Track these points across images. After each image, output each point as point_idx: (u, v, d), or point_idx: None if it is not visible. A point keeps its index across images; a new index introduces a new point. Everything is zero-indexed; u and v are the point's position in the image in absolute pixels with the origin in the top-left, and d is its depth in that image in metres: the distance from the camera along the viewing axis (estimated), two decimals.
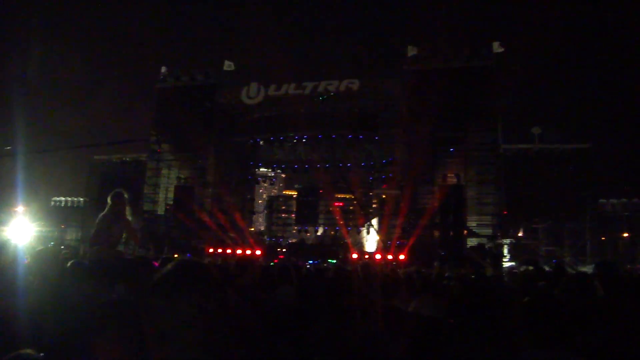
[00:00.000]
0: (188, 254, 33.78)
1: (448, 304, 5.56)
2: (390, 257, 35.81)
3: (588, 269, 22.79)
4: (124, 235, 9.22)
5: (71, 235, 51.31)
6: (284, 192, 48.39)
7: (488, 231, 37.48)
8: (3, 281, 3.79)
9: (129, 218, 9.10)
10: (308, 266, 25.24)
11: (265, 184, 53.30)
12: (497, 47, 39.35)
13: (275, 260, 26.49)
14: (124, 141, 52.60)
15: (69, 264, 5.53)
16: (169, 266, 1.83)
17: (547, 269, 18.23)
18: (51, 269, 4.08)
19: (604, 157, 42.02)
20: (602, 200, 42.37)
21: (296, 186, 52.08)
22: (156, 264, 8.71)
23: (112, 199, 8.66)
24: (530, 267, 24.38)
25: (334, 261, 35.70)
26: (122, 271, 5.35)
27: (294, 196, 52.12)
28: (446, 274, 17.39)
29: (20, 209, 32.44)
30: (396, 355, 3.86)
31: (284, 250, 41.77)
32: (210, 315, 1.73)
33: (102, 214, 8.75)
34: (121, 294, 4.83)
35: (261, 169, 51.93)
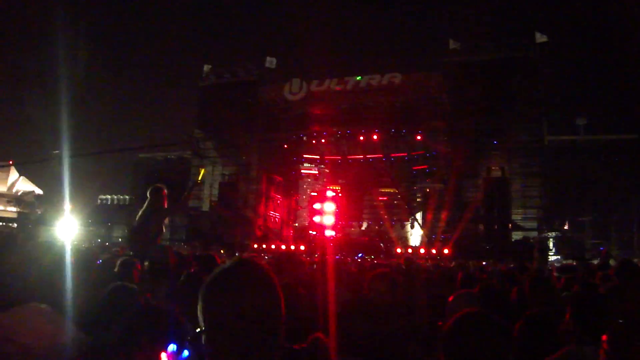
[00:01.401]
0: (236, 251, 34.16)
1: (485, 299, 5.53)
2: (434, 251, 35.71)
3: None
4: (164, 229, 9.30)
5: (117, 233, 52.05)
6: (328, 187, 48.23)
7: (533, 224, 37.14)
8: (49, 281, 3.91)
9: (169, 207, 9.16)
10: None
11: (309, 180, 53.42)
12: (539, 37, 38.88)
13: (317, 256, 26.52)
14: (167, 144, 53.18)
15: (119, 262, 5.67)
16: (228, 264, 1.91)
17: (595, 262, 18.08)
18: (86, 267, 4.20)
19: None
20: None
21: (340, 181, 52.00)
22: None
23: (150, 194, 8.72)
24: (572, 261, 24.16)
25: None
26: (166, 271, 5.45)
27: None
28: (490, 269, 17.34)
29: (67, 207, 32.89)
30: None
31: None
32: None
33: (141, 209, 8.84)
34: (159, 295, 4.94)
35: (305, 164, 51.99)
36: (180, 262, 6.29)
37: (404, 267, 12.57)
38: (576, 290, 3.90)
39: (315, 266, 9.71)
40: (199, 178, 21.49)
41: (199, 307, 1.84)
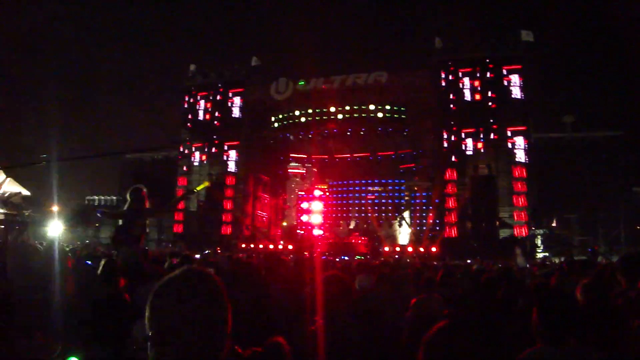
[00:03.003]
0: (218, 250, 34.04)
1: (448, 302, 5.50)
2: (422, 249, 35.74)
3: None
4: (147, 230, 9.21)
5: (105, 234, 51.79)
6: (315, 187, 48.24)
7: (520, 222, 37.24)
8: (39, 280, 3.88)
9: (150, 209, 9.07)
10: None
11: (296, 179, 53.37)
12: (525, 36, 39.00)
13: (306, 255, 26.49)
14: (155, 147, 53.05)
15: (102, 263, 5.62)
16: (177, 272, 1.90)
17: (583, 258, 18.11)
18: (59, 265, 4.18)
19: (638, 144, 41.33)
20: (636, 189, 41.70)
21: (327, 180, 52.01)
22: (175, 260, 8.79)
23: (130, 195, 8.62)
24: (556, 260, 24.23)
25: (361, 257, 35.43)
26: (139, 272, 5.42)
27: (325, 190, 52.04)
28: (475, 267, 17.30)
29: (55, 208, 32.72)
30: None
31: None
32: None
33: (120, 210, 8.76)
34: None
35: (292, 164, 51.94)
36: (156, 262, 6.23)
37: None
38: (539, 289, 3.87)
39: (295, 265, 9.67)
40: (199, 188, 21.28)
41: (146, 314, 1.82)
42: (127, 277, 5.48)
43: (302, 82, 42.46)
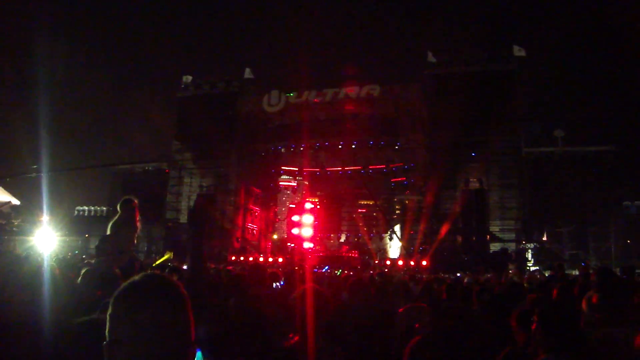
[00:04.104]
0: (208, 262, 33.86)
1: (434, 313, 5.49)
2: (412, 263, 35.70)
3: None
4: (135, 242, 9.13)
5: (94, 244, 51.63)
6: (306, 199, 48.25)
7: (511, 236, 37.29)
8: (27, 292, 3.82)
9: (138, 225, 8.98)
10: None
11: (287, 192, 53.31)
12: (517, 51, 39.20)
13: (296, 268, 26.47)
14: (146, 161, 52.94)
15: (82, 272, 5.56)
16: (136, 278, 1.85)
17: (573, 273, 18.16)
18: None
19: (628, 159, 41.48)
20: (626, 203, 41.90)
21: (318, 193, 51.99)
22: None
23: (121, 207, 8.54)
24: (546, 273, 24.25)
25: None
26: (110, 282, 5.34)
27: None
28: (466, 280, 17.35)
29: (45, 218, 32.57)
30: None
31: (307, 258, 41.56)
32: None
33: (111, 222, 8.66)
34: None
35: (283, 177, 51.89)
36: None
37: (377, 279, 12.50)
38: (539, 302, 3.87)
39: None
40: (160, 261, 20.91)
41: (107, 318, 1.77)
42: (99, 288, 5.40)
43: (292, 94, 42.47)
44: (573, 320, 3.56)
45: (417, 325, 4.87)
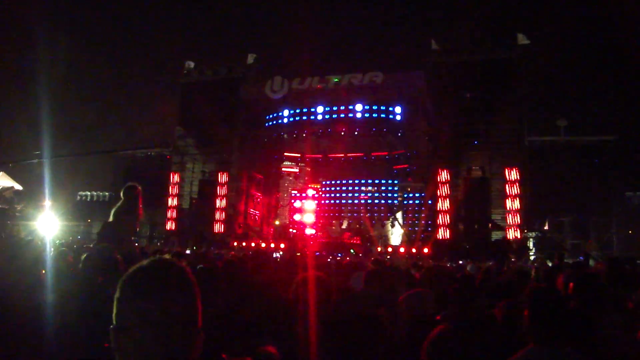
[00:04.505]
0: (212, 247, 33.99)
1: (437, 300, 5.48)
2: (414, 250, 35.75)
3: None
4: (138, 228, 9.13)
5: (97, 230, 51.61)
6: (308, 186, 48.34)
7: (513, 224, 37.28)
8: (29, 277, 3.84)
9: (141, 213, 8.97)
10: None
11: (290, 178, 53.30)
12: (521, 39, 39.06)
13: (297, 254, 26.55)
14: (148, 147, 52.87)
15: (82, 257, 5.57)
16: (144, 263, 1.84)
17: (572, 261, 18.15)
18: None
19: (631, 149, 41.35)
20: (628, 193, 41.81)
21: (321, 180, 52.02)
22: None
23: (124, 193, 8.55)
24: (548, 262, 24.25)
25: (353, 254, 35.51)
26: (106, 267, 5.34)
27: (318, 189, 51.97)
28: (468, 268, 17.38)
29: (47, 203, 32.66)
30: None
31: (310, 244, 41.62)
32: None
33: (114, 208, 8.65)
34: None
35: (285, 163, 51.88)
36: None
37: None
38: (531, 290, 3.85)
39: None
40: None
41: (113, 306, 1.76)
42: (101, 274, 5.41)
43: (295, 80, 42.38)
44: (563, 310, 3.55)
45: (438, 317, 4.85)
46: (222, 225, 42.65)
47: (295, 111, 43.31)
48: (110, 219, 8.64)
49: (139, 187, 8.82)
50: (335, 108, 41.94)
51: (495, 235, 36.78)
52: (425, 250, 34.98)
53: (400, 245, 38.70)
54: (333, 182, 52.30)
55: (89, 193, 57.34)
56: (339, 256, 29.74)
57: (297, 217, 47.49)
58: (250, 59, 46.16)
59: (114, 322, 1.74)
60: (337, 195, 52.34)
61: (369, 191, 51.26)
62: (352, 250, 36.02)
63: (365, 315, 3.93)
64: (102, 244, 7.62)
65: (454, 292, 5.60)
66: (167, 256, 8.81)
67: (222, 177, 43.83)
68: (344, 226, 47.39)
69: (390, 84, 40.19)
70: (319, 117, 42.35)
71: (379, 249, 38.12)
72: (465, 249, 33.66)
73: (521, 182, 37.14)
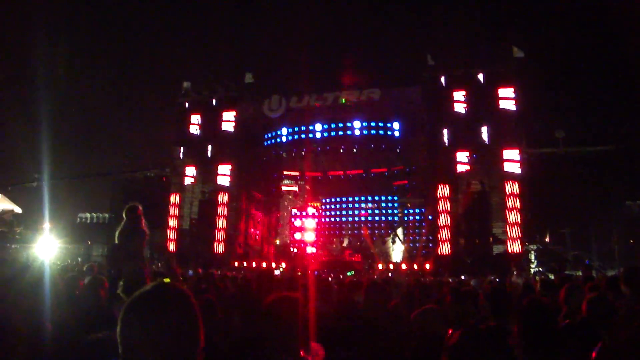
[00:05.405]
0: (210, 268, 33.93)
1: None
2: (415, 266, 35.68)
3: (617, 273, 22.46)
4: (144, 248, 9.12)
5: (97, 252, 51.53)
6: (308, 204, 48.37)
7: (514, 237, 37.18)
8: (30, 299, 3.82)
9: (146, 231, 8.97)
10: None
11: (290, 197, 53.28)
12: (517, 52, 39.18)
13: (298, 272, 26.62)
14: (147, 168, 52.94)
15: (86, 280, 5.56)
16: (147, 288, 1.86)
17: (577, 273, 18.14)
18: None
19: (630, 158, 41.38)
20: (628, 203, 41.76)
21: (321, 198, 52.04)
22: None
23: (126, 214, 8.55)
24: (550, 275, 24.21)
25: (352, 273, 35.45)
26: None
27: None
28: (472, 283, 17.35)
29: (46, 225, 32.73)
30: None
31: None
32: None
33: (118, 230, 8.64)
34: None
35: (285, 181, 51.87)
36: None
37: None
38: (523, 304, 3.84)
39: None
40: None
41: (117, 330, 1.78)
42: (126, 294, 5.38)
43: (293, 99, 42.45)
44: (552, 321, 3.54)
45: (450, 331, 4.83)
46: (223, 245, 42.55)
47: (293, 129, 43.50)
48: (116, 241, 8.62)
49: (140, 207, 8.80)
50: (333, 125, 42.13)
51: (497, 248, 36.67)
52: (427, 266, 34.92)
53: (402, 262, 38.65)
54: (333, 199, 52.28)
55: (88, 215, 57.27)
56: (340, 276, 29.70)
57: (297, 235, 47.49)
58: (248, 78, 46.19)
59: (119, 342, 1.76)
60: (338, 212, 52.30)
61: (369, 208, 51.22)
62: (348, 273, 35.87)
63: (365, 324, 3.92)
64: (129, 265, 7.59)
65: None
66: (167, 280, 8.77)
67: (222, 197, 43.76)
68: (344, 244, 47.38)
69: (387, 100, 40.33)
70: (318, 134, 42.53)
71: (380, 266, 38.05)
72: (467, 264, 33.59)
73: (521, 195, 37.08)
